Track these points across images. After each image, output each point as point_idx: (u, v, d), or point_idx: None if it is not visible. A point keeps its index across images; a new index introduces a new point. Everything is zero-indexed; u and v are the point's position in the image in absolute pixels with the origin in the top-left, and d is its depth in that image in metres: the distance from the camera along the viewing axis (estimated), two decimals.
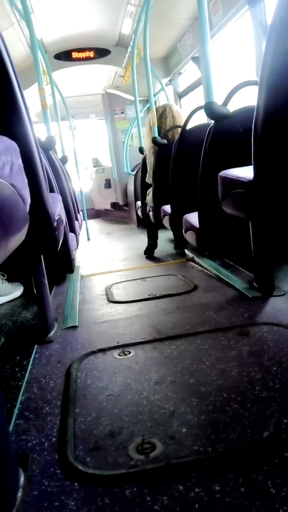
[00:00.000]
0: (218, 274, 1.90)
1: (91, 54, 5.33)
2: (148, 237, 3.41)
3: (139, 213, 4.34)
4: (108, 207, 7.42)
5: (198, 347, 1.16)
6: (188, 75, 4.98)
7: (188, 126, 2.50)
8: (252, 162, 1.38)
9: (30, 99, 4.35)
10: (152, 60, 3.74)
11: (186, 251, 2.54)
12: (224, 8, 3.32)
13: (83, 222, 5.05)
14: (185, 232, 2.40)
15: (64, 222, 1.77)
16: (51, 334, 1.41)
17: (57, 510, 0.65)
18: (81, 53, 5.29)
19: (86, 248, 4.32)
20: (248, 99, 1.84)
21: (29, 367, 1.18)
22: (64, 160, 3.93)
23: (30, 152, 1.14)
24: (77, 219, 3.33)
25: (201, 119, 3.57)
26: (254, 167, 1.37)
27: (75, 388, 1.01)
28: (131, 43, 4.36)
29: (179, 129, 2.73)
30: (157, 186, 3.08)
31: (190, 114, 2.50)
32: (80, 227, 4.00)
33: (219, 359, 1.07)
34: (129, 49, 4.63)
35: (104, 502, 0.65)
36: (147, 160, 3.38)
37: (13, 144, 0.83)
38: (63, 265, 2.26)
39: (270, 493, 0.62)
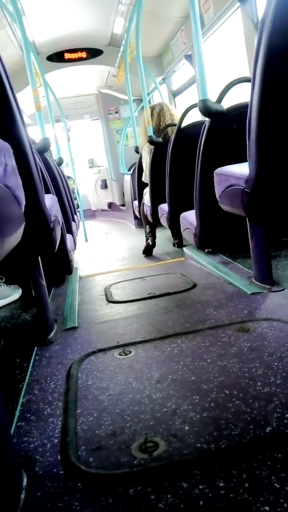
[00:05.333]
0: (217, 271, 1.90)
1: (84, 54, 5.33)
2: (146, 236, 3.41)
3: (136, 212, 4.34)
4: (105, 207, 7.42)
5: (199, 344, 1.16)
6: (182, 73, 4.98)
7: (183, 124, 2.51)
8: (248, 159, 1.38)
9: (23, 101, 4.34)
10: (145, 59, 3.74)
11: (185, 249, 2.54)
12: (215, 6, 3.32)
13: (80, 223, 5.05)
14: (183, 231, 2.40)
15: (61, 223, 1.77)
16: (51, 335, 1.41)
17: (61, 511, 0.64)
18: (73, 54, 5.29)
19: (84, 249, 4.31)
20: (243, 95, 1.84)
21: (30, 369, 1.18)
22: (59, 161, 3.93)
23: (24, 153, 1.14)
24: (74, 220, 3.33)
25: (196, 117, 3.57)
26: (249, 163, 1.38)
27: (76, 389, 1.01)
28: (123, 43, 4.36)
29: (174, 128, 2.73)
30: (153, 185, 3.08)
31: (185, 112, 2.50)
32: (77, 228, 4.00)
33: (220, 356, 1.06)
34: (121, 49, 4.63)
35: (108, 502, 0.65)
36: (142, 159, 3.38)
37: (6, 145, 0.82)
38: (61, 266, 2.26)
39: (274, 488, 0.62)
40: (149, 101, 5.32)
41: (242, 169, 1.47)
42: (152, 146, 3.02)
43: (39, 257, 1.44)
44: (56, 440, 0.82)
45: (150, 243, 3.34)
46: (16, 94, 1.12)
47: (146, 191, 3.34)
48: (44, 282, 1.45)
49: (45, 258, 1.52)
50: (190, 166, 2.02)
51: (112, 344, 1.26)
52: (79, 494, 0.67)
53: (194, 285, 1.80)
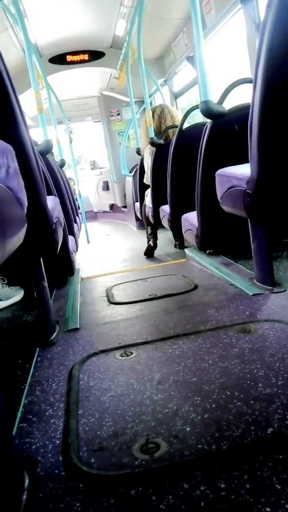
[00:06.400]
0: (218, 272, 1.90)
1: (86, 56, 5.34)
2: (147, 237, 3.42)
3: (138, 214, 4.35)
4: (107, 209, 7.43)
5: (200, 345, 1.16)
6: (183, 75, 4.99)
7: (184, 126, 2.51)
8: (249, 160, 1.38)
9: (25, 103, 4.35)
10: (146, 60, 3.75)
11: (186, 251, 2.54)
12: (217, 7, 3.33)
13: (82, 225, 5.06)
14: (185, 232, 2.40)
15: (63, 225, 1.77)
16: (53, 337, 1.41)
17: None
18: (75, 56, 5.30)
19: (85, 250, 4.32)
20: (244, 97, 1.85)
21: (32, 370, 1.18)
22: (61, 163, 3.94)
23: (26, 155, 1.14)
24: (76, 222, 3.34)
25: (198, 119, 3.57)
26: (251, 165, 1.38)
27: (78, 390, 1.01)
28: (125, 45, 4.37)
29: (175, 129, 2.74)
30: (155, 187, 3.08)
31: (186, 113, 2.50)
32: (79, 230, 4.01)
33: (221, 357, 1.06)
34: (123, 51, 4.64)
35: (109, 503, 0.65)
36: (144, 161, 3.38)
37: (9, 147, 0.83)
38: (63, 268, 2.26)
39: (276, 489, 0.62)
40: (151, 103, 5.33)
41: (243, 170, 1.47)
42: (154, 148, 3.02)
43: (41, 259, 1.44)
44: (57, 441, 0.82)
45: (152, 244, 3.34)
46: (19, 96, 1.12)
47: (148, 193, 3.35)
48: (46, 284, 1.45)
49: (47, 260, 1.52)
50: (192, 167, 2.02)
51: (114, 345, 1.26)
52: (81, 495, 0.67)
53: (196, 287, 1.80)
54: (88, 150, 8.06)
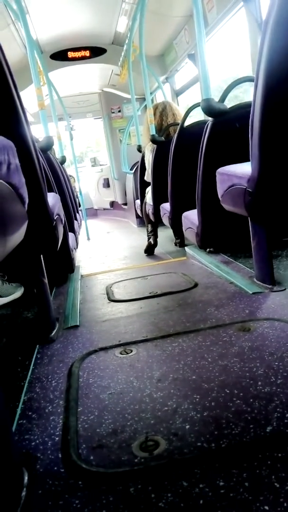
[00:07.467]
0: (218, 271, 1.90)
1: (87, 53, 5.33)
2: (148, 235, 3.41)
3: (139, 211, 4.34)
4: (107, 206, 7.43)
5: (200, 344, 1.16)
6: (185, 73, 4.98)
7: (186, 123, 2.50)
8: (250, 158, 1.38)
9: (27, 100, 4.34)
10: (148, 58, 3.74)
11: (186, 249, 2.54)
12: (218, 5, 3.31)
13: (83, 222, 5.06)
14: (185, 230, 2.40)
15: (63, 222, 1.77)
16: (53, 334, 1.41)
17: (61, 509, 0.65)
18: (77, 53, 5.29)
19: (86, 247, 4.32)
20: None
21: (31, 367, 1.18)
22: (62, 160, 3.93)
23: (27, 151, 1.14)
24: (76, 219, 3.33)
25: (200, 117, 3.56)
26: (252, 163, 1.37)
27: (77, 387, 1.01)
28: (126, 41, 4.35)
29: (176, 127, 2.73)
30: (155, 184, 3.08)
31: (188, 111, 2.50)
32: (79, 227, 4.01)
33: (221, 355, 1.07)
34: (125, 47, 4.62)
35: (108, 500, 0.65)
36: (145, 158, 3.38)
37: (10, 144, 0.82)
38: (63, 265, 2.26)
39: (274, 487, 0.62)
40: (152, 100, 5.32)
41: (244, 169, 1.47)
42: (155, 145, 3.02)
43: (42, 255, 1.44)
44: (57, 438, 0.82)
45: (152, 242, 3.34)
46: (20, 92, 1.12)
47: (148, 190, 3.34)
48: (46, 280, 1.45)
49: (47, 257, 1.52)
50: (192, 165, 2.02)
51: (114, 343, 1.26)
52: (80, 492, 0.67)
53: (196, 285, 1.80)
54: (92, 145, 8.04)
